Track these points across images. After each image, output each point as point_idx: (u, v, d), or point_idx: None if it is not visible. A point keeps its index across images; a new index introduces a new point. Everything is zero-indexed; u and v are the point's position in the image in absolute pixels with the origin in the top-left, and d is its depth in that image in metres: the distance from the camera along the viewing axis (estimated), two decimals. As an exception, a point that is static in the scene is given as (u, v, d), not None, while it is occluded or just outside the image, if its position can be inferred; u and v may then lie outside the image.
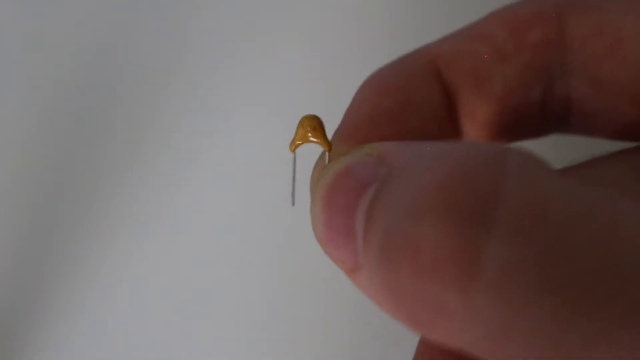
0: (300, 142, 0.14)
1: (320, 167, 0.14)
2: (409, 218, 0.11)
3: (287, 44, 0.33)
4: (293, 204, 0.15)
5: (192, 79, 0.33)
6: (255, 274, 0.30)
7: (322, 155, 0.15)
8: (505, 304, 0.10)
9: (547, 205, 0.10)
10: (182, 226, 0.31)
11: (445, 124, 0.16)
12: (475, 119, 0.16)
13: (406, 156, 0.12)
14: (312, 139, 0.14)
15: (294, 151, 0.15)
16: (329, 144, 0.14)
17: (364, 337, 0.29)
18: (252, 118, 0.32)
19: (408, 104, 0.15)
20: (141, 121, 0.33)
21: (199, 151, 0.32)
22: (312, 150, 0.15)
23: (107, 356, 0.30)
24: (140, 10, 0.34)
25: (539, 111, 0.16)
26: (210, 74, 0.33)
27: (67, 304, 0.30)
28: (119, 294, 0.31)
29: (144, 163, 0.32)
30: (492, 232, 0.10)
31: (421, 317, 0.11)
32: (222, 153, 0.32)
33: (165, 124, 0.32)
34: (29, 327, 0.30)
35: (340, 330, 0.30)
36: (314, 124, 0.14)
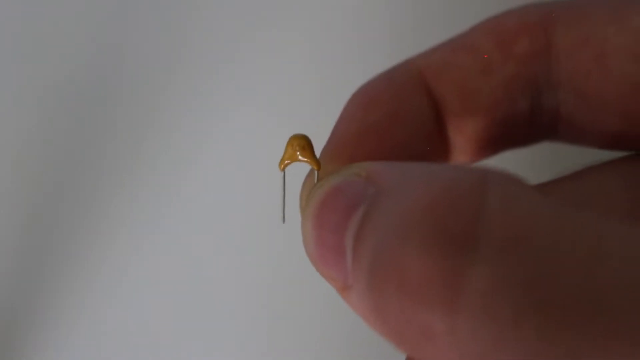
0: (289, 162, 0.14)
1: (309, 184, 0.15)
2: (395, 240, 0.11)
3: (288, 44, 0.33)
4: (284, 220, 0.15)
5: (192, 80, 0.33)
6: (256, 274, 0.31)
7: (310, 173, 0.15)
8: (490, 325, 0.10)
9: (528, 228, 0.10)
10: (182, 226, 0.31)
11: (433, 136, 0.16)
12: (464, 130, 0.16)
13: (394, 176, 0.12)
14: (301, 158, 0.14)
15: (283, 170, 0.15)
16: (317, 163, 0.14)
17: (364, 337, 0.29)
18: (252, 118, 0.32)
19: (395, 118, 0.15)
20: (141, 121, 0.33)
21: (199, 151, 0.32)
22: (303, 167, 0.15)
23: (107, 356, 0.30)
24: (141, 10, 0.34)
25: (526, 122, 0.16)
26: (210, 74, 0.33)
27: (67, 304, 0.31)
28: (118, 294, 0.31)
29: (143, 163, 0.32)
30: (476, 255, 0.10)
31: (407, 338, 0.11)
32: (222, 153, 0.32)
33: (165, 124, 0.33)
34: (29, 327, 0.30)
35: (341, 330, 0.30)
36: (302, 144, 0.14)
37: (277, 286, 0.30)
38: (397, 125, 0.15)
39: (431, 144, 0.16)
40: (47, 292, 0.31)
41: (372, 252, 0.11)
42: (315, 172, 0.14)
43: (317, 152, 0.15)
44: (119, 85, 0.33)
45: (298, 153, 0.14)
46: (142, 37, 0.34)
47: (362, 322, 0.29)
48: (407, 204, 0.11)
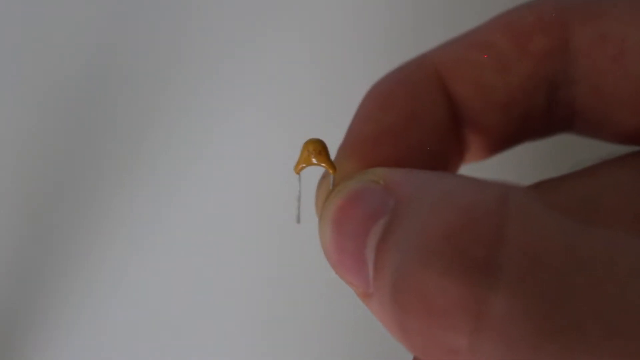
0: (304, 165, 0.14)
1: (324, 186, 0.15)
2: (418, 264, 0.11)
3: (290, 44, 0.33)
4: (298, 221, 0.16)
5: (193, 79, 0.33)
6: (256, 274, 0.31)
7: (325, 175, 0.15)
8: (510, 348, 0.10)
9: (547, 252, 0.10)
10: (183, 226, 0.31)
11: (449, 133, 0.16)
12: (480, 127, 0.16)
13: (412, 188, 0.12)
14: (316, 162, 0.14)
15: (298, 173, 0.15)
16: (333, 167, 0.14)
17: (366, 337, 0.29)
18: (253, 118, 0.32)
19: (412, 118, 0.15)
20: (142, 121, 0.33)
21: (200, 151, 0.32)
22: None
23: (107, 356, 0.30)
24: (142, 9, 0.34)
25: (543, 117, 0.16)
26: (211, 74, 0.33)
27: (67, 304, 0.31)
28: (119, 294, 0.31)
29: (143, 163, 0.32)
30: (497, 280, 0.10)
31: (430, 353, 0.11)
32: (223, 153, 0.32)
33: (166, 124, 0.32)
34: (29, 327, 0.30)
35: (343, 330, 0.30)
36: (318, 148, 0.14)
37: (278, 286, 0.30)
38: (414, 125, 0.15)
39: (448, 141, 0.16)
40: (47, 292, 0.31)
41: (395, 269, 0.12)
42: (331, 175, 0.14)
43: (332, 153, 0.15)
44: (119, 85, 0.33)
45: (313, 158, 0.14)
46: (143, 37, 0.34)
47: (364, 322, 0.29)
48: (427, 227, 0.11)
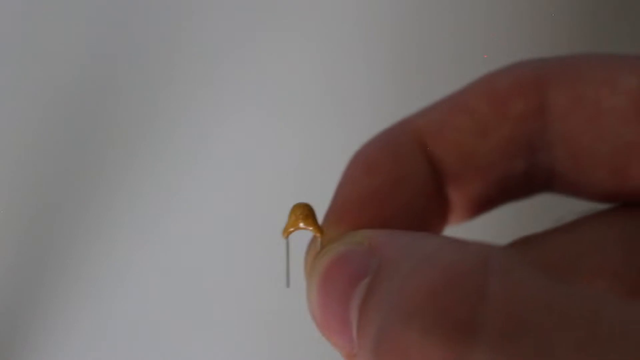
0: (292, 229, 0.15)
1: (312, 251, 0.15)
2: (398, 323, 0.11)
3: (291, 44, 0.34)
4: (288, 285, 0.16)
5: (193, 80, 0.33)
6: (257, 275, 0.31)
7: (313, 239, 0.15)
8: None
9: (528, 310, 0.11)
10: (183, 226, 0.32)
11: (433, 196, 0.16)
12: (462, 189, 0.16)
13: (396, 249, 0.13)
14: (303, 226, 0.15)
15: (286, 237, 0.15)
16: (320, 230, 0.15)
17: None
18: (254, 118, 0.33)
19: (396, 182, 0.15)
20: (142, 121, 0.33)
21: (200, 151, 0.33)
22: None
23: (107, 356, 0.31)
24: (142, 8, 0.34)
25: (522, 179, 0.16)
26: (211, 74, 0.33)
27: (67, 304, 0.31)
28: (119, 294, 0.31)
29: (143, 163, 0.33)
30: (477, 341, 0.11)
31: None
32: (223, 152, 0.33)
33: (166, 124, 0.33)
34: (29, 327, 0.31)
35: None
36: (305, 212, 0.15)
37: (278, 286, 0.31)
38: (398, 188, 0.15)
39: (431, 203, 0.16)
40: (47, 292, 0.31)
41: (375, 329, 0.12)
42: (319, 238, 0.15)
43: (320, 209, 0.15)
44: (119, 84, 0.33)
45: (301, 221, 0.15)
46: (143, 35, 0.34)
47: None
48: (409, 287, 0.12)
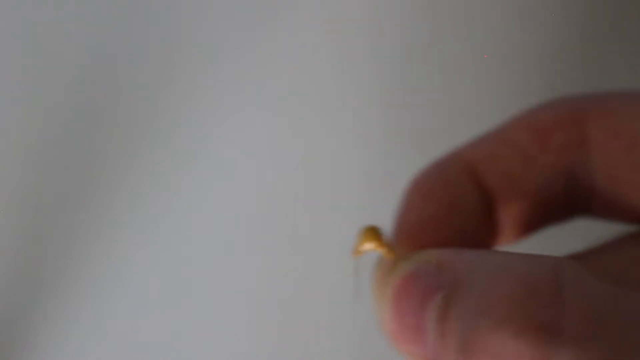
0: (361, 251, 0.16)
1: (381, 268, 0.16)
2: (487, 327, 0.13)
3: (291, 44, 0.34)
4: (357, 299, 0.18)
5: (193, 80, 0.34)
6: (258, 275, 0.31)
7: (381, 258, 0.17)
8: None
9: (604, 312, 0.13)
10: (184, 226, 0.32)
11: (483, 220, 0.18)
12: (511, 214, 0.18)
13: (467, 263, 0.15)
14: (373, 247, 0.16)
15: (356, 259, 0.17)
16: (388, 251, 0.16)
17: (368, 337, 0.30)
18: (254, 118, 0.33)
19: (451, 207, 0.17)
20: (142, 121, 0.33)
21: (201, 151, 0.33)
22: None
23: (107, 356, 0.31)
24: (141, 8, 0.34)
25: (564, 203, 0.18)
26: (212, 74, 0.33)
27: (67, 304, 0.31)
28: (119, 294, 0.31)
29: (143, 163, 0.33)
30: (562, 341, 0.12)
31: None
32: (224, 152, 0.33)
33: (166, 123, 0.33)
34: (29, 327, 0.31)
35: (346, 330, 0.31)
36: (373, 234, 0.16)
37: (278, 286, 0.31)
38: (453, 213, 0.17)
39: (482, 226, 0.18)
40: (47, 292, 0.31)
41: (461, 333, 0.14)
42: (386, 259, 0.16)
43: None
44: (119, 85, 0.33)
45: (369, 243, 0.16)
46: (143, 35, 0.34)
47: (366, 322, 0.30)
48: (491, 295, 0.13)
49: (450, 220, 0.17)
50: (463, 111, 0.33)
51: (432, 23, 0.34)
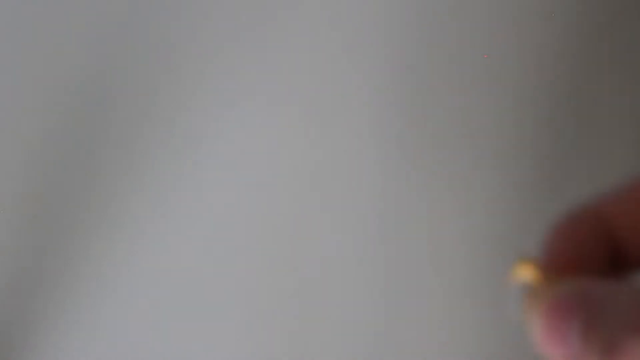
0: (518, 279, 0.20)
1: (534, 291, 0.20)
2: (631, 336, 0.17)
3: (291, 44, 0.34)
4: (513, 319, 0.21)
5: (193, 79, 0.33)
6: (258, 275, 0.32)
7: (534, 285, 0.20)
8: None
9: None
10: (183, 226, 0.32)
11: (612, 258, 0.22)
12: (635, 258, 0.22)
13: (601, 294, 0.18)
14: (527, 278, 0.20)
15: (515, 285, 0.20)
16: (541, 280, 0.20)
17: (368, 337, 0.30)
18: (255, 118, 0.33)
19: (587, 248, 0.21)
20: (141, 120, 0.33)
21: (201, 151, 0.33)
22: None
23: (107, 356, 0.31)
24: (141, 8, 0.34)
25: None
26: (212, 74, 0.33)
27: (67, 304, 0.31)
28: (119, 294, 0.32)
29: (143, 163, 0.33)
30: None
31: None
32: (224, 152, 0.33)
33: (165, 123, 0.33)
34: (29, 327, 0.31)
35: (346, 331, 0.31)
36: (529, 266, 0.20)
37: (278, 286, 0.32)
38: (589, 252, 0.21)
39: (612, 263, 0.22)
40: (47, 292, 0.31)
41: (605, 339, 0.17)
42: (538, 284, 0.20)
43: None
44: (119, 85, 0.33)
45: (527, 276, 0.20)
46: (143, 33, 0.34)
47: (367, 321, 0.30)
48: (632, 312, 0.18)
49: (588, 259, 0.21)
50: (463, 111, 0.33)
51: (431, 23, 0.34)
